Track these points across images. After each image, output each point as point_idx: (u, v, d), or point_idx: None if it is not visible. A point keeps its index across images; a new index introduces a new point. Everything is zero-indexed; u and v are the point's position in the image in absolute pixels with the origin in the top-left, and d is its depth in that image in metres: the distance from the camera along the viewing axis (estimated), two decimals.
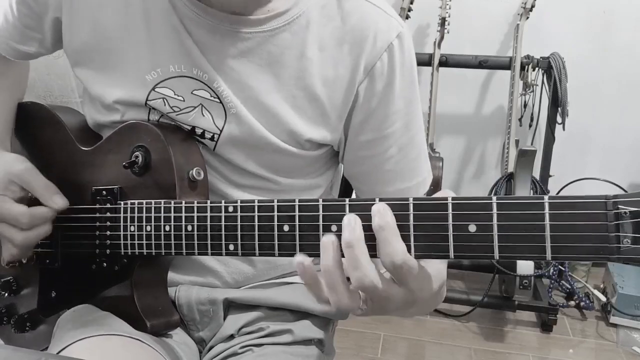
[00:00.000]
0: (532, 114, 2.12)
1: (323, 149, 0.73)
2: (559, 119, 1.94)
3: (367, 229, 0.47)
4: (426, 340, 1.89)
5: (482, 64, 2.00)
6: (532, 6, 1.94)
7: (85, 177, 0.71)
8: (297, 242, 0.52)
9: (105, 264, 0.68)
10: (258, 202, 0.54)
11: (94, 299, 0.72)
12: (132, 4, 0.67)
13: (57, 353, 0.62)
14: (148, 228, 0.63)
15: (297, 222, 0.52)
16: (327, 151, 0.75)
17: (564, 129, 1.94)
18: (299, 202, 0.52)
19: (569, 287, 2.00)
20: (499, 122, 2.23)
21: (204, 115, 0.68)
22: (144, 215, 0.64)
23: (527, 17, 1.97)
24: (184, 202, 0.60)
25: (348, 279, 0.47)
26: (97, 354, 0.61)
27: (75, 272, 0.72)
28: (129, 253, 0.66)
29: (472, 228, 0.45)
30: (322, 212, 0.50)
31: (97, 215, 0.69)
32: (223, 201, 0.57)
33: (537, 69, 1.97)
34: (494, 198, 0.44)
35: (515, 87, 1.96)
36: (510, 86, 1.98)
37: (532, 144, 2.21)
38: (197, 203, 0.59)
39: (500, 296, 1.97)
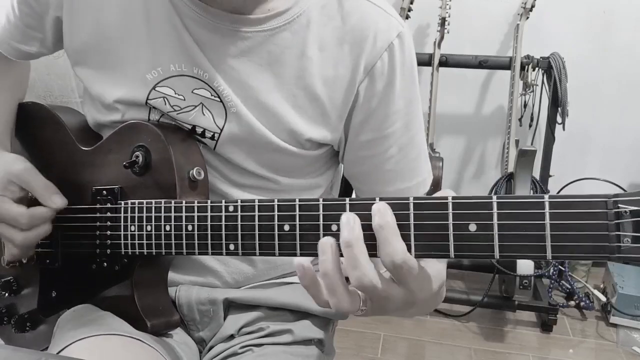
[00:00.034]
0: (532, 114, 2.12)
1: (323, 148, 0.73)
2: (559, 119, 1.94)
3: (367, 228, 0.47)
4: (426, 340, 1.89)
5: (482, 64, 2.00)
6: (532, 6, 1.94)
7: (85, 177, 0.71)
8: (298, 242, 0.52)
9: (105, 264, 0.68)
10: (258, 202, 0.54)
11: (94, 299, 0.72)
12: (132, 4, 0.68)
13: (57, 353, 0.62)
14: (148, 228, 0.63)
15: (297, 222, 0.52)
16: (327, 151, 0.75)
17: (564, 129, 1.94)
18: (299, 201, 0.51)
19: (569, 287, 2.00)
20: (499, 122, 2.24)
21: (204, 115, 0.68)
22: (145, 215, 0.64)
23: (527, 17, 1.97)
24: (184, 201, 0.60)
25: (347, 279, 0.47)
26: (97, 354, 0.61)
27: (76, 272, 0.72)
28: (130, 253, 0.66)
29: (473, 227, 0.45)
30: (323, 211, 0.50)
31: (98, 215, 0.69)
32: (223, 201, 0.57)
33: (537, 69, 1.97)
34: (495, 197, 0.44)
35: (515, 87, 1.96)
36: (510, 86, 1.98)
37: (532, 144, 2.21)
38: (198, 203, 0.59)
39: (500, 296, 1.97)
